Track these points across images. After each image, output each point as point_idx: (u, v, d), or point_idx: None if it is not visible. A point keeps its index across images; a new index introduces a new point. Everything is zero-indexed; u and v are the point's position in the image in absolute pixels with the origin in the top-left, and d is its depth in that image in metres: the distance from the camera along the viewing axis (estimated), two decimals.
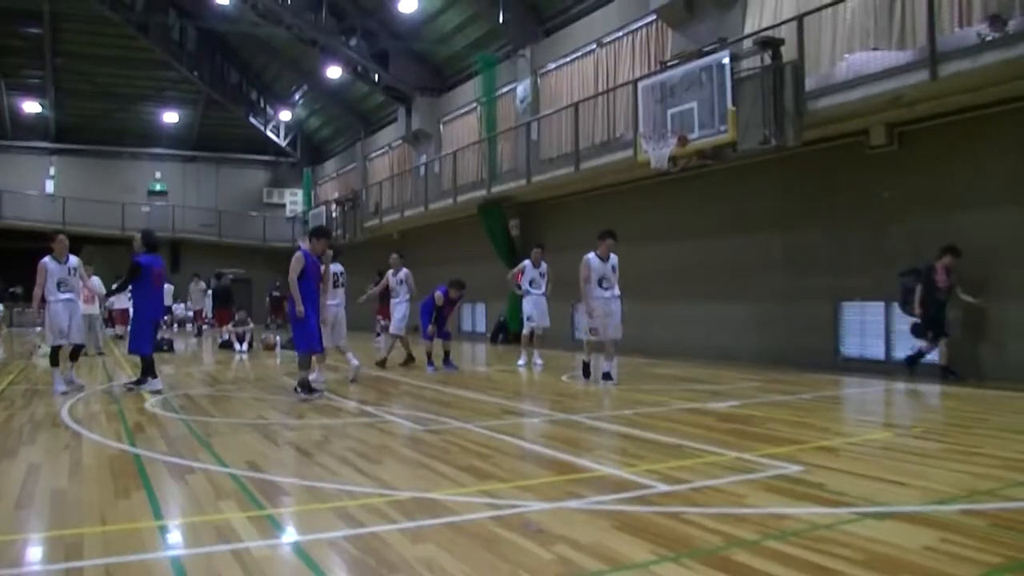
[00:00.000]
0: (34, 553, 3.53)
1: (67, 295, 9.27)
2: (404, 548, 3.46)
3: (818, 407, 7.89)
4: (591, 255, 9.83)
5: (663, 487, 4.52)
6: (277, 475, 4.99)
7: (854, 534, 3.59)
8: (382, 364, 12.46)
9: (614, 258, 9.85)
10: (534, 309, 12.81)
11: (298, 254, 8.82)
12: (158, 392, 9.19)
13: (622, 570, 3.18)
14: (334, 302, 10.65)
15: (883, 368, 11.20)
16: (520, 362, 12.95)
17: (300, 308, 8.64)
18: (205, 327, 23.10)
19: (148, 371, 9.51)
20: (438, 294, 12.27)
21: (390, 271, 12.92)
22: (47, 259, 9.18)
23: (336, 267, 10.87)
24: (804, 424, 6.83)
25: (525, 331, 13.01)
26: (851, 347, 12.00)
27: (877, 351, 11.57)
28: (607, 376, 9.83)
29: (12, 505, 4.26)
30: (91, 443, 6.12)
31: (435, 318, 12.29)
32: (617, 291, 9.86)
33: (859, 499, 4.21)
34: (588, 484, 4.63)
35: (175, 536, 3.75)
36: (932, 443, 6.08)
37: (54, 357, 9.34)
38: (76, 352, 9.89)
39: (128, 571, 3.23)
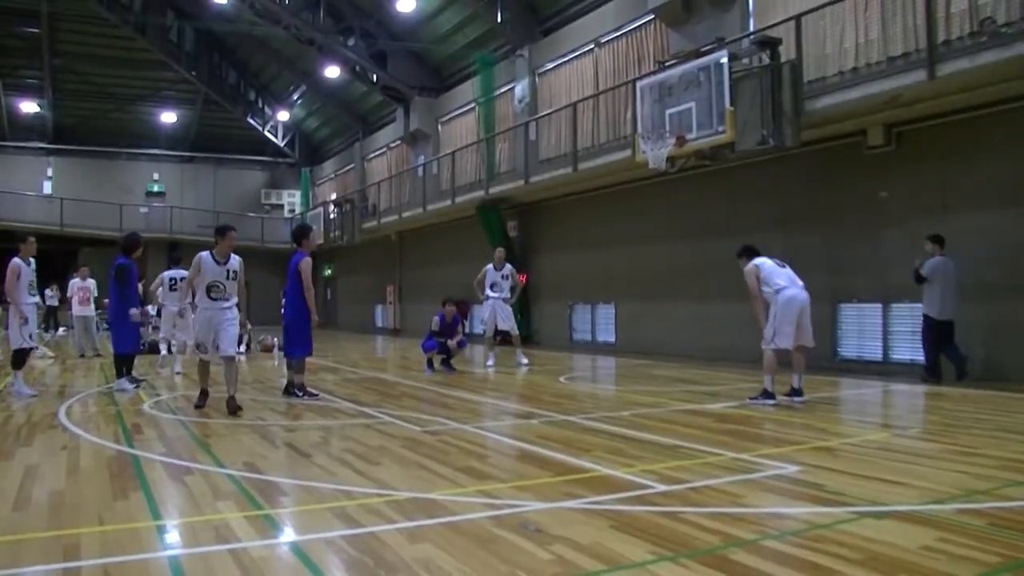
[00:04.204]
0: (32, 554, 3.52)
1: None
2: (402, 548, 3.46)
3: (816, 408, 7.89)
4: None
5: (661, 487, 4.52)
6: (275, 476, 4.99)
7: (852, 534, 3.59)
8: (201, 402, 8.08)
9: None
10: (488, 313, 12.66)
11: (308, 259, 8.70)
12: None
13: (620, 570, 3.18)
14: (174, 308, 11.45)
15: (881, 369, 11.21)
16: (489, 363, 12.69)
17: (316, 316, 8.71)
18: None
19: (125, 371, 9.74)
20: (435, 319, 12.00)
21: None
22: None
23: (179, 272, 11.23)
24: (802, 425, 6.84)
25: (487, 334, 12.92)
26: (849, 348, 12.01)
27: (875, 352, 11.58)
28: (796, 392, 8.09)
29: (10, 506, 4.25)
30: (89, 444, 6.11)
31: (442, 337, 11.99)
32: (800, 283, 8.12)
33: (857, 499, 4.21)
34: (586, 484, 4.63)
35: (173, 536, 3.75)
36: (929, 443, 6.09)
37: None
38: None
39: (126, 571, 3.23)
